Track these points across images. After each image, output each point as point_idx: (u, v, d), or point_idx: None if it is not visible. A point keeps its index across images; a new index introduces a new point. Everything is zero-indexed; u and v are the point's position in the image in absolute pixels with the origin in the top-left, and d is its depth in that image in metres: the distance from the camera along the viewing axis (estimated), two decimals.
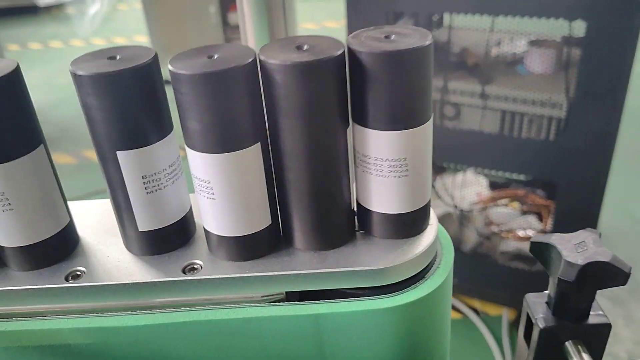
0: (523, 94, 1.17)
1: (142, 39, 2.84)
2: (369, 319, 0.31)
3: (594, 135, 1.07)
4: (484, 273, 1.33)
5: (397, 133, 0.29)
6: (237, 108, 0.28)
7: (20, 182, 0.30)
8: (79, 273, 0.32)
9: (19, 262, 0.32)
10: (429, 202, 0.33)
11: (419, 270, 0.32)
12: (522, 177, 1.31)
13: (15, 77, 0.29)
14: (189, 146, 0.29)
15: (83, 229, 0.36)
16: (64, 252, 0.34)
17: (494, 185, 1.36)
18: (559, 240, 0.36)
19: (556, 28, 1.07)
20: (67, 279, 0.32)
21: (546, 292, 0.40)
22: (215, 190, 0.30)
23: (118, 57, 0.29)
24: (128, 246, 0.33)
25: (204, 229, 0.33)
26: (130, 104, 0.28)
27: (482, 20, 1.11)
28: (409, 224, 0.32)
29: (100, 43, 2.90)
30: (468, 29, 1.18)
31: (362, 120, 0.30)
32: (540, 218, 1.34)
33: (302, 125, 0.28)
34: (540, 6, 1.02)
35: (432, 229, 0.33)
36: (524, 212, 1.37)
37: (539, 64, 1.18)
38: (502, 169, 1.24)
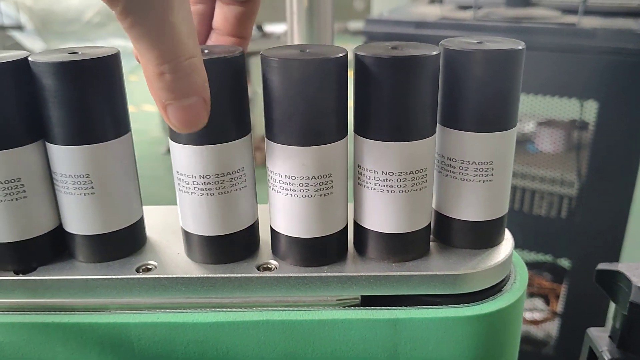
0: (533, 171, 1.19)
1: (150, 108, 2.90)
2: (449, 327, 0.30)
3: (606, 213, 1.08)
4: None
5: (486, 135, 0.30)
6: (327, 99, 0.28)
7: (107, 166, 0.30)
8: (150, 267, 0.32)
9: (89, 253, 0.32)
10: (506, 215, 0.33)
11: (497, 281, 0.32)
12: (531, 256, 1.31)
13: (114, 60, 0.29)
14: (270, 139, 0.30)
15: (149, 230, 0.35)
16: (134, 246, 0.33)
17: None
18: (626, 267, 0.36)
19: (566, 109, 1.11)
20: (137, 272, 0.31)
21: (608, 327, 0.39)
22: (297, 185, 0.30)
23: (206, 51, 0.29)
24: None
25: (272, 232, 0.32)
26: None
27: None
28: (488, 234, 0.32)
29: None
30: None
31: (451, 122, 0.30)
32: (547, 302, 1.32)
33: (392, 123, 0.29)
34: (553, 85, 1.06)
35: (509, 243, 0.33)
36: (531, 294, 1.35)
37: (549, 144, 1.21)
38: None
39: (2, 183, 0.30)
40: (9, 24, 2.20)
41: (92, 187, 0.30)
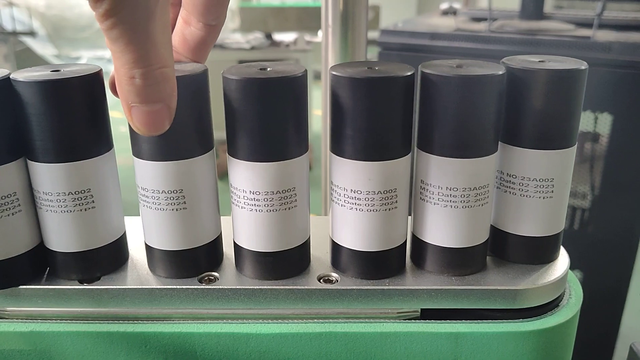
0: None
1: None
2: (510, 342, 0.31)
3: (618, 225, 1.08)
4: None
5: (548, 152, 0.30)
6: (395, 116, 0.29)
7: (197, 180, 0.30)
8: (212, 278, 0.32)
9: (172, 268, 0.32)
10: (562, 231, 0.33)
11: (556, 296, 0.32)
12: None
13: (203, 78, 0.29)
14: (337, 154, 0.30)
15: None
16: (216, 262, 0.33)
17: None
18: None
19: (581, 121, 1.11)
20: (200, 282, 0.32)
21: None
22: (362, 199, 0.30)
23: (269, 69, 0.30)
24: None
25: (333, 245, 0.33)
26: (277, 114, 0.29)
27: None
28: (545, 249, 0.33)
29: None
30: None
31: (513, 139, 0.31)
32: None
33: (459, 140, 0.29)
34: None
35: (564, 258, 0.34)
36: None
37: None
38: None
39: (72, 194, 0.30)
40: (22, 30, 2.21)
41: (185, 202, 0.30)
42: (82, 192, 0.30)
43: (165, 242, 0.31)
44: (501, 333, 0.31)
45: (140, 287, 0.31)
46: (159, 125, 0.26)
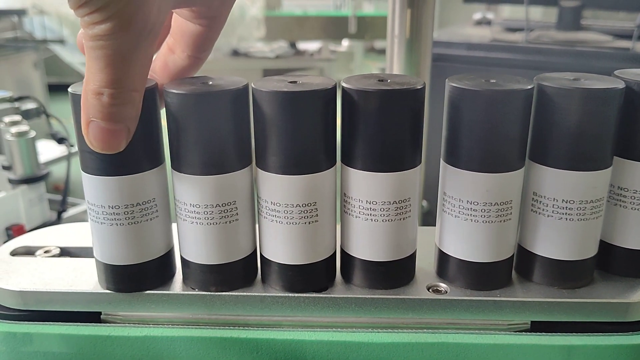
0: None
1: None
2: (621, 354, 0.31)
3: None
4: None
5: None
6: (513, 128, 0.29)
7: (326, 193, 0.31)
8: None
9: (296, 282, 0.32)
10: None
11: None
12: None
13: (331, 93, 0.29)
14: (453, 164, 0.30)
15: None
16: (330, 281, 0.33)
17: None
18: None
19: None
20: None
21: None
22: (479, 211, 0.30)
23: (388, 80, 0.30)
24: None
25: (441, 255, 0.33)
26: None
27: None
28: None
29: None
30: None
31: (626, 152, 0.31)
32: None
33: (577, 152, 0.30)
34: None
35: None
36: None
37: None
38: None
39: (219, 206, 0.30)
40: (52, 38, 2.24)
41: (317, 215, 0.30)
42: (228, 204, 0.30)
43: (291, 257, 0.31)
44: (614, 346, 0.31)
45: (253, 294, 0.32)
46: (115, 144, 0.26)
